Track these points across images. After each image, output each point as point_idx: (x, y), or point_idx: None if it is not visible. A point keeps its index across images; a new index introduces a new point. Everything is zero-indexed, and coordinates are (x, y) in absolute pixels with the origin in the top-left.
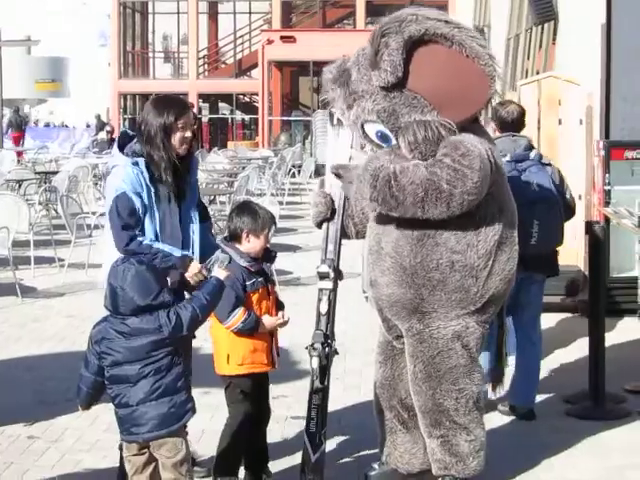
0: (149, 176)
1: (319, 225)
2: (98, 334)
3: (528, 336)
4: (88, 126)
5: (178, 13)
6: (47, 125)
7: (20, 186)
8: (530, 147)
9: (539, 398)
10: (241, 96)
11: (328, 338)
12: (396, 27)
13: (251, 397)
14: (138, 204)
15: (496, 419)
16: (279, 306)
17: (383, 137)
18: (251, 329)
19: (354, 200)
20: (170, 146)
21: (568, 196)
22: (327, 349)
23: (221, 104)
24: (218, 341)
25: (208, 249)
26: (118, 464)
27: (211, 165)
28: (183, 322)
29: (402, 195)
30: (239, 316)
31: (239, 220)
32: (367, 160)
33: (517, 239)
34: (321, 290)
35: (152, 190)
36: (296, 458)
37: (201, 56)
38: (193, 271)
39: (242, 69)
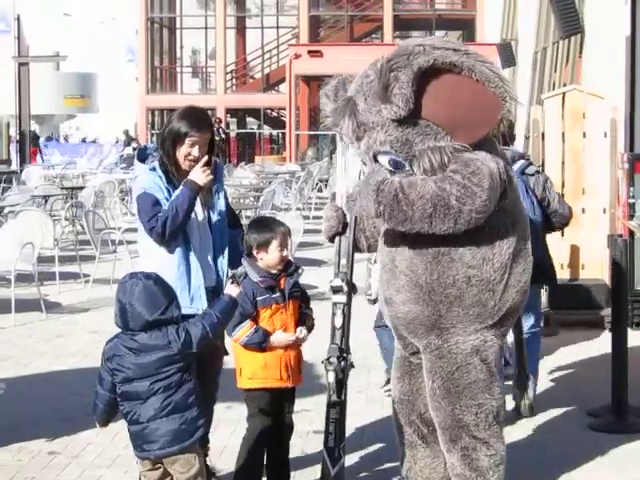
0: (166, 180)
1: (331, 239)
2: (110, 351)
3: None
4: (117, 142)
5: (206, 28)
6: (83, 140)
7: (46, 202)
8: (519, 158)
9: (562, 411)
10: (269, 111)
11: (343, 352)
12: (404, 60)
13: (266, 412)
14: (161, 198)
15: (517, 432)
16: (303, 322)
17: (396, 164)
18: (258, 344)
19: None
20: (175, 156)
21: (556, 205)
22: (343, 363)
23: (249, 119)
24: (235, 354)
25: (237, 258)
26: None
27: (238, 180)
28: (192, 339)
29: (410, 210)
30: (244, 330)
31: (249, 236)
32: (367, 176)
33: (531, 250)
34: (335, 304)
35: (172, 192)
36: (317, 472)
37: (229, 71)
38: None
39: (270, 84)
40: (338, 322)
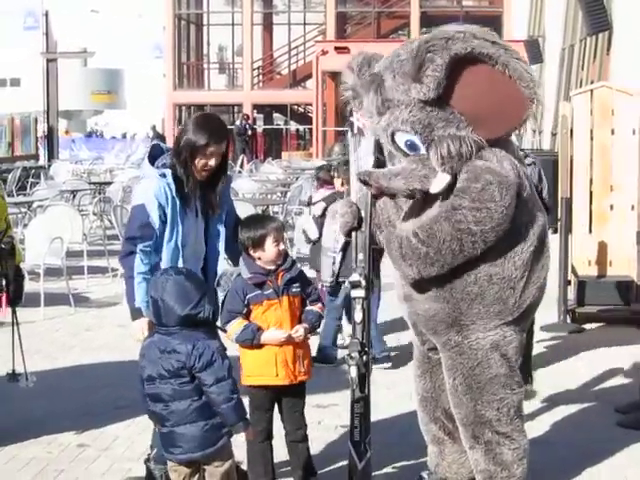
0: (175, 189)
1: (347, 234)
2: (142, 349)
3: None
4: (148, 137)
5: (233, 25)
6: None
7: (75, 197)
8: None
9: (589, 408)
10: (295, 107)
11: (365, 346)
12: (442, 44)
13: (264, 409)
14: (156, 218)
15: (544, 429)
16: (306, 318)
17: (412, 146)
18: (249, 340)
19: (380, 210)
20: (192, 167)
21: (546, 194)
22: (365, 357)
23: (275, 115)
24: (239, 351)
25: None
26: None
27: (265, 175)
28: (214, 368)
29: (442, 257)
30: (234, 327)
31: (242, 235)
32: (386, 240)
33: (549, 246)
34: (354, 299)
35: (177, 203)
36: (345, 467)
37: (256, 67)
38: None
39: (296, 80)
40: (358, 317)
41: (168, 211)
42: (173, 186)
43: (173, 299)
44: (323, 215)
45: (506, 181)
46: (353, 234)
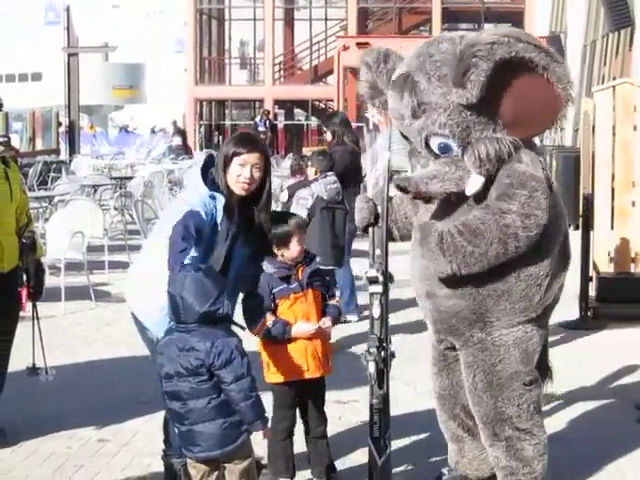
0: (221, 214)
1: (365, 230)
2: (160, 347)
3: None
4: (167, 132)
5: (254, 20)
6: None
7: (96, 191)
8: None
9: (610, 405)
10: (316, 102)
11: (383, 342)
12: (488, 48)
13: (291, 404)
14: (207, 229)
15: (564, 426)
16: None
17: (445, 148)
18: (280, 335)
19: (397, 205)
20: (225, 177)
21: None
22: (383, 353)
23: (296, 110)
24: (261, 349)
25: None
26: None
27: (286, 171)
28: (233, 366)
29: (486, 259)
30: (264, 323)
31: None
32: (421, 234)
33: (570, 242)
34: (372, 294)
35: (217, 228)
36: (365, 463)
37: (277, 62)
38: None
39: (318, 75)
40: (376, 312)
41: (207, 231)
42: (220, 211)
43: (192, 296)
44: (289, 201)
45: (546, 187)
46: (370, 230)
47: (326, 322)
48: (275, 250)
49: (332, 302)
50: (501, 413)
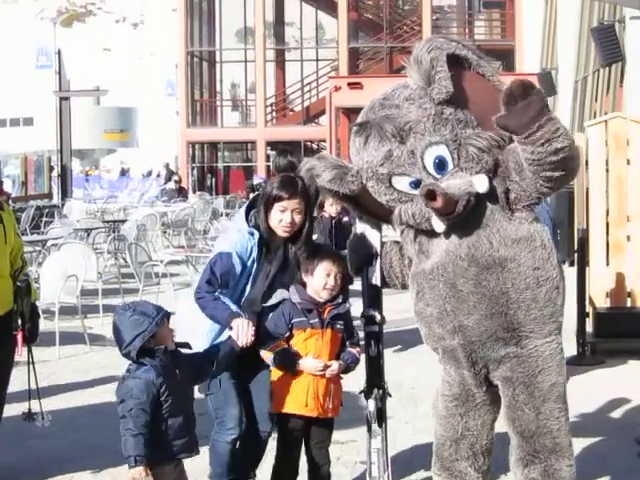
0: (257, 251)
1: (357, 272)
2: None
3: None
4: (158, 175)
5: (245, 61)
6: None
7: (89, 235)
8: None
9: (610, 439)
10: (309, 143)
11: (381, 381)
12: (435, 45)
13: (292, 437)
14: (239, 270)
15: None
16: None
17: (440, 164)
18: (288, 364)
19: (385, 253)
20: (266, 221)
21: None
22: (381, 391)
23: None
24: (273, 377)
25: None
26: None
27: None
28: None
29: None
30: (277, 345)
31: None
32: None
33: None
34: (368, 334)
35: (255, 266)
36: None
37: (269, 104)
38: (237, 325)
39: (310, 116)
40: (373, 352)
41: (237, 270)
42: (256, 248)
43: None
44: None
45: None
46: (363, 270)
47: (333, 364)
48: (303, 275)
49: (351, 349)
50: (542, 426)
